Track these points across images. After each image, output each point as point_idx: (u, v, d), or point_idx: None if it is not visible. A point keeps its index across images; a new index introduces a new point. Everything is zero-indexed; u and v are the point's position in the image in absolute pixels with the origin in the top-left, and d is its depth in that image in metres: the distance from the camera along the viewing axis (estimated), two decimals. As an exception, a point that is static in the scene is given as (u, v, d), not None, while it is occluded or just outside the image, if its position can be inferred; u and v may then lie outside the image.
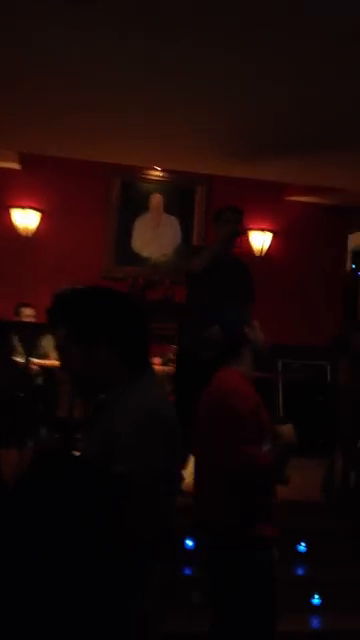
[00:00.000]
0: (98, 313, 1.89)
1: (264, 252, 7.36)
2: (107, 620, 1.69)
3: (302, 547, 4.12)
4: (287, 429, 2.61)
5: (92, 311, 1.90)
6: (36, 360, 5.49)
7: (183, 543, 3.90)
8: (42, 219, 7.09)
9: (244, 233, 4.73)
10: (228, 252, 4.58)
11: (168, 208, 7.11)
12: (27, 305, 6.20)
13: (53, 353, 5.30)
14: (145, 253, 7.08)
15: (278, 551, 2.59)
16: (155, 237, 7.07)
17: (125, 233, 7.04)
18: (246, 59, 4.02)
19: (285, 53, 3.91)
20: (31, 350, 5.36)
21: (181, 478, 2.53)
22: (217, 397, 2.60)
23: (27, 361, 5.20)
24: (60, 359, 2.80)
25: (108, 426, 1.80)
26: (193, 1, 3.42)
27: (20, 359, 5.28)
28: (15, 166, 6.93)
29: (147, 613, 1.83)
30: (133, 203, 7.05)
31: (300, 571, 4.07)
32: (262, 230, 7.34)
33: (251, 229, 7.32)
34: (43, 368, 5.55)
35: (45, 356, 5.61)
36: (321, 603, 3.85)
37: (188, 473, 2.94)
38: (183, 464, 3.37)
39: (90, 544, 1.57)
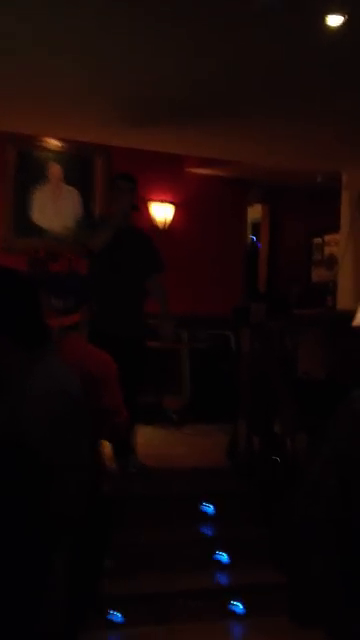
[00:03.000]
0: None
1: (167, 224, 7.41)
2: (21, 598, 1.71)
3: (209, 509, 4.26)
4: None
5: None
6: None
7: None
8: None
9: (138, 209, 4.66)
10: (127, 223, 4.48)
11: (68, 179, 7.00)
12: None
13: None
14: (45, 225, 6.96)
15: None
16: (55, 208, 6.96)
17: (24, 204, 6.88)
18: (146, 30, 4.01)
19: (182, 25, 3.92)
20: None
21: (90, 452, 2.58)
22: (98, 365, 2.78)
23: None
24: None
25: (15, 406, 1.77)
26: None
27: None
28: None
29: (56, 587, 1.86)
30: (31, 173, 6.88)
31: (207, 531, 4.21)
32: (163, 202, 7.37)
33: (152, 201, 7.34)
34: None
35: None
36: (228, 561, 4.00)
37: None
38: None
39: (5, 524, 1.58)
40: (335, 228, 7.44)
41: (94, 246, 4.33)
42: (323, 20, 3.73)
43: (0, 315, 1.81)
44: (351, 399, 2.78)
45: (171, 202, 7.42)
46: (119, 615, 3.51)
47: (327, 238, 8.26)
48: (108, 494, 2.76)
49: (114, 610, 3.50)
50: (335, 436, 2.04)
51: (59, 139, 6.85)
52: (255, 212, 9.11)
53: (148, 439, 5.29)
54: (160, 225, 7.38)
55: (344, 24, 3.76)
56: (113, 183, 4.63)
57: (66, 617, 1.90)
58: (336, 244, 7.71)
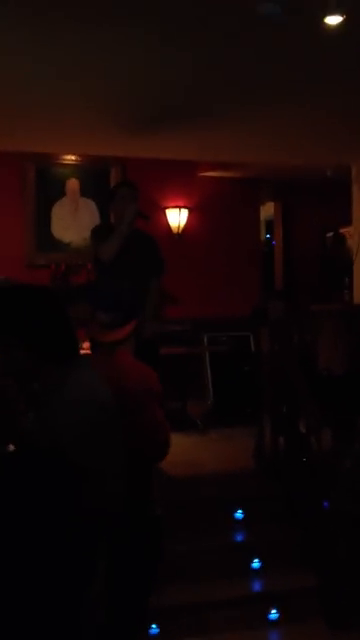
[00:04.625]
0: (8, 315, 1.91)
1: (181, 229, 7.44)
2: (62, 604, 1.77)
3: (239, 514, 4.27)
4: None
5: (4, 312, 1.92)
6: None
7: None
8: None
9: (149, 218, 4.65)
10: (132, 229, 4.44)
11: (84, 191, 7.08)
12: None
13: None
14: (66, 238, 7.05)
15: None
16: (74, 221, 7.04)
17: (44, 220, 6.98)
18: (149, 42, 4.07)
19: (185, 34, 3.98)
20: None
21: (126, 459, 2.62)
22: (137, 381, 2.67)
23: None
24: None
25: (50, 418, 1.86)
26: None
27: None
28: None
29: (99, 596, 1.92)
30: (49, 189, 6.99)
31: (239, 537, 4.23)
32: (178, 207, 7.41)
33: (167, 207, 7.39)
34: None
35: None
36: (260, 566, 4.01)
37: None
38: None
39: (49, 530, 1.64)
40: (349, 221, 7.42)
41: (105, 255, 4.35)
42: (323, 19, 3.74)
43: (28, 330, 1.89)
44: None
45: (185, 207, 7.45)
46: (155, 627, 3.51)
47: (342, 231, 8.24)
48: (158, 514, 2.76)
49: (148, 622, 3.50)
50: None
51: (75, 154, 6.94)
52: (268, 210, 9.10)
53: (173, 446, 5.29)
54: (175, 230, 7.42)
55: (344, 22, 3.77)
56: (115, 192, 4.63)
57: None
58: (351, 236, 7.68)
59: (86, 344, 5.12)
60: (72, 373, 1.91)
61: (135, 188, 4.56)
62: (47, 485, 1.71)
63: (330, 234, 8.63)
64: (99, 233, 4.55)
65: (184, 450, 5.48)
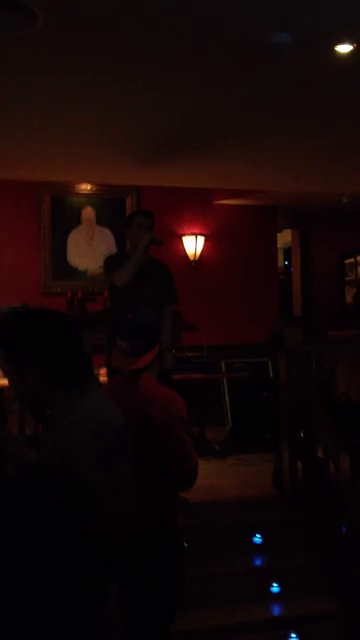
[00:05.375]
0: (22, 337, 1.93)
1: (197, 256, 7.51)
2: (75, 628, 1.78)
3: (257, 539, 4.25)
4: None
5: (17, 335, 1.94)
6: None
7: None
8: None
9: (163, 243, 4.71)
10: (146, 257, 4.52)
11: (100, 220, 7.19)
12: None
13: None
14: (81, 266, 7.15)
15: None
16: (90, 250, 7.14)
17: (60, 248, 7.09)
18: (161, 75, 4.19)
19: (199, 67, 4.08)
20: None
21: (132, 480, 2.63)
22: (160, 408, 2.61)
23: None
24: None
25: (60, 440, 1.88)
26: (100, 35, 3.57)
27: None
28: None
29: (110, 618, 1.92)
30: (65, 218, 7.11)
31: (257, 562, 4.20)
32: (194, 235, 7.49)
33: (183, 235, 7.47)
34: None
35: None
36: (280, 591, 3.98)
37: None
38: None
39: (59, 554, 1.65)
40: (367, 248, 7.46)
41: (120, 282, 4.40)
42: (333, 49, 3.82)
43: (38, 354, 1.91)
44: None
45: (201, 234, 7.53)
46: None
47: (359, 258, 8.27)
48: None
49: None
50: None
51: (91, 183, 7.06)
52: (285, 237, 9.15)
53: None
54: (191, 257, 7.49)
55: (354, 51, 3.84)
56: (131, 220, 4.71)
57: None
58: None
59: (102, 370, 5.18)
60: (83, 396, 1.93)
61: (150, 216, 4.64)
62: (55, 508, 1.70)
63: (349, 260, 8.66)
64: (113, 261, 4.62)
65: (203, 475, 5.42)
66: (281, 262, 9.45)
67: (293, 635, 3.67)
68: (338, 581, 3.96)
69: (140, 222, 4.58)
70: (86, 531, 1.73)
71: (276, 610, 3.95)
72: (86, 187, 7.12)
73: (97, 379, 2.11)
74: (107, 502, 1.81)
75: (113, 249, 6.93)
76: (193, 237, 7.49)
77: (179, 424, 2.57)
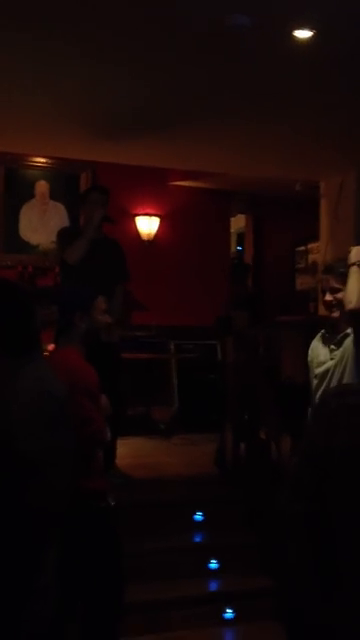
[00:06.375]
0: None
1: (151, 237, 7.50)
2: (9, 596, 1.78)
3: (199, 516, 4.32)
4: (101, 400, 2.93)
5: None
6: None
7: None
8: None
9: (116, 222, 4.70)
10: (99, 234, 4.54)
11: (54, 195, 7.11)
12: None
13: None
14: (33, 240, 7.06)
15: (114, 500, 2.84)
16: (42, 224, 7.05)
17: (12, 221, 6.98)
18: (113, 55, 4.15)
19: (152, 44, 4.05)
20: None
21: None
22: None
23: None
24: None
25: (1, 408, 1.87)
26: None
27: None
28: None
29: (47, 587, 1.93)
30: (18, 190, 7.00)
31: (197, 539, 4.27)
32: (148, 215, 7.47)
33: (138, 215, 7.45)
34: None
35: None
36: (218, 567, 4.05)
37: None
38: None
39: None
40: (318, 236, 7.54)
41: (70, 259, 4.38)
42: (291, 34, 3.84)
43: None
44: (326, 396, 2.87)
45: (156, 215, 7.51)
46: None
47: (310, 246, 8.36)
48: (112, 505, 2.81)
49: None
50: (312, 431, 2.12)
51: (45, 156, 6.96)
52: (239, 222, 9.21)
53: (137, 449, 5.36)
54: (145, 237, 7.47)
55: (313, 36, 3.87)
56: (86, 196, 4.68)
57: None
58: (319, 251, 7.81)
59: (51, 347, 5.17)
60: (25, 366, 1.92)
61: (106, 193, 4.61)
62: None
63: (300, 248, 8.76)
64: (66, 236, 4.58)
65: (147, 453, 5.52)
66: (234, 247, 9.50)
67: (229, 610, 3.76)
68: (273, 558, 4.05)
69: (94, 198, 4.55)
70: (22, 499, 1.73)
71: (213, 586, 4.03)
72: (41, 160, 7.02)
73: (41, 351, 2.10)
74: (46, 471, 1.81)
75: (66, 224, 6.86)
76: (147, 217, 7.47)
77: (80, 390, 2.72)
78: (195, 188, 7.72)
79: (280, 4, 3.54)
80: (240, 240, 9.47)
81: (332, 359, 3.06)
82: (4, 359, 1.92)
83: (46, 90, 4.82)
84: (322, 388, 3.06)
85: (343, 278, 2.92)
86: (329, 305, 3.12)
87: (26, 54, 4.23)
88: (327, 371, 3.05)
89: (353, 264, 2.85)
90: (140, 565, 3.94)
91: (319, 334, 3.26)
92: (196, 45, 4.05)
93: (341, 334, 3.04)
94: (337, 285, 3.03)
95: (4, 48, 4.16)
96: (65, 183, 7.10)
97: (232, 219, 8.65)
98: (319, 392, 3.07)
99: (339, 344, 3.04)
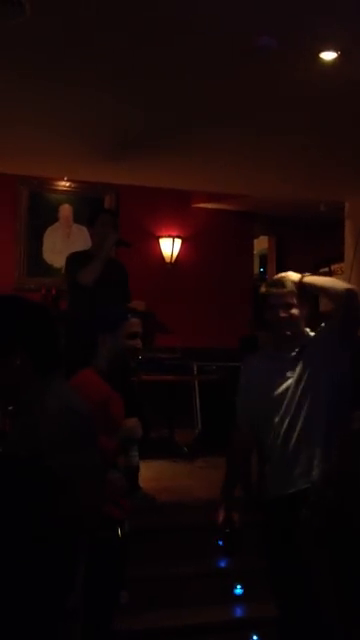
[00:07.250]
0: (12, 321, 1.92)
1: (174, 258, 7.50)
2: (40, 617, 1.76)
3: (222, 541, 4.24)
4: (130, 422, 2.81)
5: (6, 320, 1.92)
6: None
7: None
8: None
9: (131, 245, 4.71)
10: (110, 256, 4.54)
11: (78, 218, 7.16)
12: None
13: None
14: (57, 264, 7.10)
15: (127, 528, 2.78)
16: (66, 247, 7.06)
17: (36, 244, 7.04)
18: (130, 83, 4.24)
19: (173, 65, 4.11)
20: None
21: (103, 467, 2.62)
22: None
23: None
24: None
25: (29, 428, 1.87)
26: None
27: None
28: None
29: (77, 609, 1.91)
30: (42, 214, 7.08)
31: (222, 563, 4.20)
32: (171, 237, 7.48)
33: (160, 236, 7.47)
34: None
35: None
36: (243, 592, 3.98)
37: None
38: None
39: (26, 536, 1.64)
40: (341, 257, 7.50)
41: (85, 280, 4.36)
42: (317, 55, 3.85)
43: (29, 339, 1.91)
44: (350, 419, 2.80)
45: (179, 236, 7.53)
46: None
47: (334, 267, 8.32)
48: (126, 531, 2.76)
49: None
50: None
51: (69, 180, 7.03)
52: (262, 244, 9.19)
53: (160, 472, 5.31)
54: (168, 259, 7.48)
55: (338, 58, 3.88)
56: (96, 219, 4.68)
57: None
58: (342, 272, 7.76)
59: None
60: (52, 384, 1.93)
61: (115, 215, 4.63)
62: (23, 492, 1.71)
63: (323, 269, 8.71)
64: (76, 260, 4.57)
65: (170, 477, 5.47)
66: (257, 268, 9.48)
67: (255, 637, 3.68)
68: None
69: (104, 220, 4.57)
70: (54, 516, 1.72)
71: (239, 612, 3.95)
72: (64, 184, 7.09)
73: (63, 370, 2.11)
74: (74, 488, 1.81)
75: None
76: (170, 239, 7.49)
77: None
78: (218, 210, 7.74)
79: (306, 26, 3.56)
80: (263, 262, 9.45)
81: (290, 377, 2.84)
82: (34, 377, 1.92)
83: (63, 116, 4.91)
84: (282, 410, 2.84)
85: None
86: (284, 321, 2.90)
87: (45, 86, 4.35)
88: (287, 390, 2.84)
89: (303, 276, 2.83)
90: (165, 590, 3.91)
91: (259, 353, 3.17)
92: (223, 64, 4.07)
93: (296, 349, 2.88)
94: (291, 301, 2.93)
95: (28, 82, 4.25)
96: (89, 206, 7.14)
97: (255, 240, 8.64)
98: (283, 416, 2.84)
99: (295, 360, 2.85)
